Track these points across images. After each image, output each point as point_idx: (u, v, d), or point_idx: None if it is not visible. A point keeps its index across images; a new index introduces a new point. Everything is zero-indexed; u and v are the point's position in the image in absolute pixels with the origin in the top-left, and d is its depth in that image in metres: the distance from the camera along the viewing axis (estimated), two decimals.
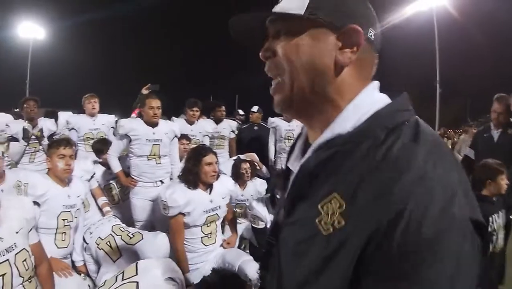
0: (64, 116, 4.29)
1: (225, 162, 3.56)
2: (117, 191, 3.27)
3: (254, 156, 3.86)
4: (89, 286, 2.32)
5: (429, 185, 0.41)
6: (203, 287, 1.48)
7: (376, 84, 0.56)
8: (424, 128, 0.49)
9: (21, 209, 1.76)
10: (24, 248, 1.69)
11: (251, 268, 2.30)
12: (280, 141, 4.33)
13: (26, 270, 1.67)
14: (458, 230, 0.40)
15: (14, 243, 1.64)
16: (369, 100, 0.53)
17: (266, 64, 0.58)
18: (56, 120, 4.24)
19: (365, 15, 0.55)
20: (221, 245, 2.56)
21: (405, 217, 0.40)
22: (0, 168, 2.62)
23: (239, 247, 3.03)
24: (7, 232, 1.63)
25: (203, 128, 4.10)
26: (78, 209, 2.39)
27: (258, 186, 3.42)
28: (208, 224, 2.45)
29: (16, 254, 1.64)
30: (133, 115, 3.74)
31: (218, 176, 2.49)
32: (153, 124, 3.03)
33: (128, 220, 3.01)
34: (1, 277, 1.57)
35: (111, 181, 3.26)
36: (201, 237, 2.43)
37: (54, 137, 3.98)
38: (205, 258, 2.41)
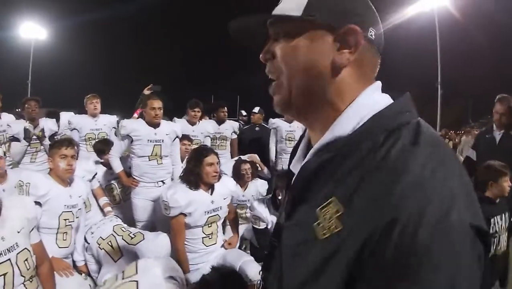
0: (66, 116, 4.30)
1: (226, 163, 3.57)
2: (118, 191, 3.28)
3: (255, 157, 3.86)
4: (90, 285, 2.33)
5: (427, 191, 0.40)
6: (202, 285, 1.48)
7: (378, 84, 0.55)
8: (425, 130, 0.48)
9: (23, 208, 1.76)
10: (25, 248, 1.69)
11: (252, 269, 2.30)
12: (281, 142, 4.32)
13: (28, 269, 1.68)
14: (456, 238, 0.39)
15: (16, 243, 1.65)
16: (370, 101, 0.52)
17: (267, 66, 0.58)
18: (57, 120, 4.25)
19: (364, 15, 0.54)
20: (222, 246, 2.57)
21: (399, 224, 0.39)
22: (2, 168, 2.64)
23: (239, 247, 3.03)
24: (9, 231, 1.64)
25: (204, 129, 4.11)
26: (80, 209, 2.40)
27: (259, 186, 3.43)
28: (209, 225, 2.46)
29: (18, 253, 1.64)
30: (135, 115, 3.75)
31: (219, 177, 2.50)
32: (155, 125, 3.03)
33: (129, 220, 3.01)
34: (3, 276, 1.57)
35: (112, 181, 3.27)
36: (202, 238, 2.43)
37: (55, 137, 3.99)
38: (206, 258, 2.41)
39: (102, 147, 3.31)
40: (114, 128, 4.16)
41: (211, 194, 2.45)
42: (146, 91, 3.91)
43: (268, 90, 0.59)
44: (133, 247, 2.35)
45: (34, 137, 3.81)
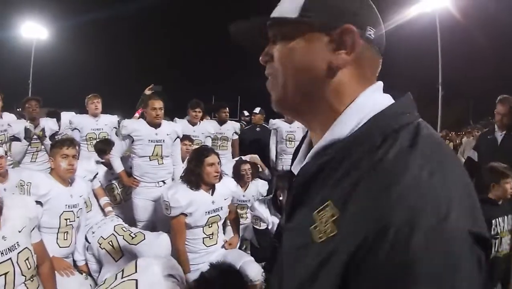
0: (67, 116, 4.30)
1: (227, 163, 3.57)
2: (119, 191, 3.28)
3: (256, 158, 3.86)
4: (90, 285, 2.32)
5: (422, 198, 0.39)
6: (201, 283, 1.47)
7: (378, 85, 0.54)
8: (424, 132, 0.46)
9: (24, 208, 1.77)
10: (26, 247, 1.69)
11: (253, 269, 2.30)
12: (281, 142, 4.32)
13: (28, 269, 1.68)
14: (452, 245, 0.37)
15: (17, 242, 1.65)
16: (369, 102, 0.51)
17: (266, 68, 0.58)
18: (58, 120, 4.25)
19: (361, 14, 0.52)
20: (223, 246, 2.56)
21: (390, 232, 0.37)
22: (3, 167, 2.64)
23: (240, 247, 3.03)
24: (10, 231, 1.64)
25: (205, 129, 4.11)
26: (81, 208, 2.40)
27: (259, 187, 3.43)
28: (210, 225, 2.46)
29: (19, 253, 1.64)
30: (136, 115, 3.75)
31: (220, 177, 2.50)
32: (156, 125, 3.04)
33: (130, 220, 3.01)
34: (4, 275, 1.57)
35: (113, 181, 3.27)
36: (203, 238, 2.43)
37: (56, 137, 3.99)
38: (207, 258, 2.41)
39: (103, 147, 3.32)
40: (115, 128, 4.16)
41: (212, 194, 2.45)
42: (147, 91, 3.91)
43: (269, 91, 0.59)
44: (134, 247, 2.35)
45: (35, 136, 3.81)
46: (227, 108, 4.61)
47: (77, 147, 2.41)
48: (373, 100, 0.51)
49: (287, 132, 4.27)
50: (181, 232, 2.37)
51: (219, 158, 2.49)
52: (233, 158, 4.22)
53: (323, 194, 0.47)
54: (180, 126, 3.46)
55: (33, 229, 1.80)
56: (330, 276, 0.41)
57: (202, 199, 2.38)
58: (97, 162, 3.25)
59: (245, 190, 3.33)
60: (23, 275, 1.66)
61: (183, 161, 3.28)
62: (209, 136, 4.15)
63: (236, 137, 4.57)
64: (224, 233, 2.80)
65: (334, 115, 0.51)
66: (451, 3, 14.32)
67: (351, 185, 0.43)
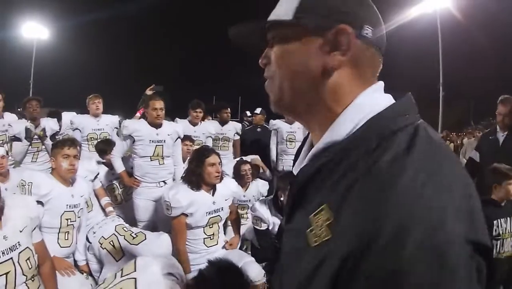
0: (68, 116, 4.31)
1: (228, 164, 3.57)
2: (120, 191, 3.29)
3: (258, 160, 3.86)
4: (91, 285, 2.33)
5: (414, 206, 0.37)
6: (199, 281, 1.47)
7: (378, 85, 0.53)
8: (421, 135, 0.45)
9: (25, 208, 1.77)
10: (27, 247, 1.70)
11: (253, 270, 2.30)
12: (281, 143, 4.32)
13: (30, 268, 1.68)
14: (446, 255, 0.36)
15: (18, 242, 1.65)
16: (368, 103, 0.49)
17: (265, 70, 0.58)
18: (59, 120, 4.25)
19: (358, 13, 0.51)
20: (223, 247, 2.56)
21: (381, 240, 0.36)
22: (4, 167, 2.65)
23: (240, 248, 3.03)
24: (11, 230, 1.64)
25: (206, 130, 4.11)
26: (81, 208, 2.40)
27: (260, 187, 3.43)
28: (211, 226, 2.46)
29: (20, 252, 1.65)
30: (138, 114, 3.75)
31: (221, 178, 2.49)
32: (157, 125, 3.04)
33: (131, 220, 3.01)
34: (5, 275, 1.58)
35: (114, 182, 3.27)
36: (203, 238, 2.43)
37: (57, 137, 3.99)
38: (207, 259, 2.41)
39: (104, 147, 3.32)
40: (116, 128, 4.16)
41: (213, 195, 2.45)
42: (148, 91, 3.91)
43: (267, 93, 0.59)
44: (135, 247, 2.35)
45: (36, 136, 3.81)
46: (229, 109, 4.61)
47: (78, 147, 2.41)
48: (372, 101, 0.50)
49: (288, 132, 4.27)
50: (182, 233, 2.37)
51: (220, 158, 2.49)
52: (234, 158, 4.22)
53: (320, 197, 0.47)
54: (181, 126, 3.46)
55: (34, 229, 1.80)
56: (323, 281, 0.41)
57: (203, 200, 2.38)
58: (98, 162, 3.25)
59: (245, 190, 3.33)
60: (24, 274, 1.66)
61: (184, 161, 3.28)
62: (210, 137, 4.15)
63: (237, 137, 4.58)
64: (224, 234, 2.80)
65: (332, 116, 0.51)
66: (452, 3, 14.32)
67: (346, 190, 0.42)
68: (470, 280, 0.37)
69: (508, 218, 2.21)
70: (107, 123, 4.10)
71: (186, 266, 2.28)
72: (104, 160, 3.30)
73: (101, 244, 2.38)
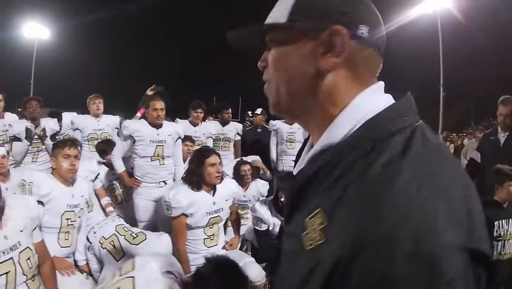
0: (69, 116, 4.31)
1: (229, 164, 3.57)
2: (120, 191, 3.29)
3: (259, 162, 3.85)
4: (91, 285, 2.33)
5: (406, 213, 0.36)
6: (197, 278, 1.46)
7: (378, 85, 0.52)
8: (419, 137, 0.44)
9: (26, 207, 1.77)
10: (28, 247, 1.70)
11: (253, 270, 2.30)
12: (281, 143, 4.33)
13: (30, 268, 1.69)
14: (438, 263, 0.35)
15: (18, 242, 1.65)
16: (365, 105, 0.49)
17: (264, 73, 0.58)
18: (59, 120, 4.25)
19: (352, 13, 0.50)
20: (223, 247, 2.56)
21: (371, 248, 0.36)
22: (5, 167, 2.65)
23: (240, 248, 3.03)
24: (12, 230, 1.64)
25: (206, 130, 4.11)
26: (82, 208, 2.40)
27: (260, 187, 3.43)
28: (211, 226, 2.46)
29: (20, 252, 1.65)
30: (138, 114, 3.76)
31: (222, 178, 2.49)
32: (157, 126, 3.04)
33: (131, 220, 3.01)
34: (5, 275, 1.58)
35: (114, 182, 3.28)
36: (203, 239, 2.43)
37: (57, 137, 4.00)
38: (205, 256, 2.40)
39: (104, 147, 3.32)
40: (117, 128, 4.17)
41: (213, 195, 2.45)
42: (149, 92, 3.92)
43: (266, 95, 0.59)
44: (135, 247, 2.35)
45: (36, 136, 3.81)
46: (230, 109, 4.61)
47: (79, 148, 2.41)
48: (370, 102, 0.49)
49: (288, 133, 4.27)
50: (182, 233, 2.37)
51: (220, 158, 2.49)
52: (235, 159, 4.22)
53: (316, 200, 0.46)
54: (182, 126, 3.46)
55: (35, 228, 1.80)
56: (316, 285, 0.41)
57: (203, 200, 2.39)
58: (99, 162, 3.25)
59: (245, 190, 3.33)
60: (24, 274, 1.66)
61: (184, 161, 3.28)
62: (210, 137, 4.15)
63: (238, 138, 4.58)
64: (224, 234, 2.80)
65: (330, 118, 0.50)
66: (452, 4, 14.32)
67: (340, 194, 0.42)
68: (467, 287, 0.37)
69: (510, 220, 2.20)
70: (108, 123, 4.10)
71: (186, 266, 2.28)
72: (104, 160, 3.30)
73: (102, 244, 2.38)
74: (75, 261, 2.44)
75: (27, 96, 4.62)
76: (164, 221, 2.77)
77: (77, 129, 3.99)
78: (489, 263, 0.39)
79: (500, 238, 2.16)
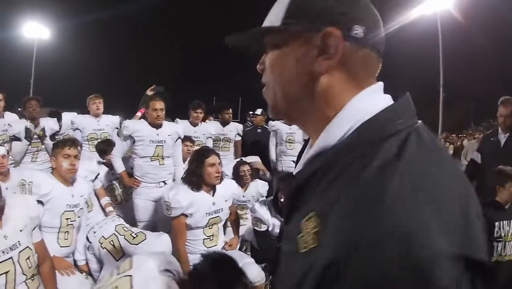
0: (69, 116, 4.31)
1: (228, 165, 3.57)
2: (119, 191, 3.29)
3: (259, 164, 3.85)
4: (91, 285, 2.33)
5: (397, 220, 0.35)
6: (194, 275, 1.46)
7: (376, 86, 0.51)
8: (413, 141, 0.43)
9: (26, 207, 1.77)
10: (27, 246, 1.70)
11: (253, 271, 2.30)
12: (280, 144, 4.33)
13: (29, 268, 1.69)
14: (429, 272, 0.34)
15: (18, 241, 1.65)
16: (361, 107, 0.48)
17: (263, 76, 0.58)
18: (58, 120, 4.25)
19: (345, 13, 0.49)
20: (223, 248, 2.56)
21: (358, 257, 0.35)
22: (5, 166, 2.65)
23: (240, 249, 3.02)
24: (11, 230, 1.64)
25: (206, 130, 4.11)
26: (81, 208, 2.41)
27: (259, 187, 3.42)
28: (210, 226, 2.46)
29: (20, 252, 1.65)
30: (138, 113, 3.76)
31: (221, 178, 2.49)
32: (157, 126, 3.04)
33: (131, 220, 3.01)
34: (5, 274, 1.58)
35: (114, 182, 3.28)
36: (203, 239, 2.43)
37: (57, 137, 3.99)
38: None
39: (104, 147, 3.32)
40: (117, 128, 4.17)
41: (213, 195, 2.45)
42: (149, 92, 3.92)
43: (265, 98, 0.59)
44: (135, 246, 2.35)
45: (35, 136, 3.81)
46: (231, 109, 4.61)
47: (79, 148, 2.41)
48: (366, 104, 0.48)
49: (287, 134, 4.28)
50: (182, 233, 2.37)
51: (219, 158, 2.49)
52: (235, 159, 4.22)
53: (312, 202, 0.46)
54: (182, 127, 3.46)
55: (34, 228, 1.80)
56: (309, 288, 0.40)
57: (203, 200, 2.39)
58: (98, 162, 3.25)
59: (245, 191, 3.33)
60: (24, 274, 1.66)
61: (184, 162, 3.28)
62: (210, 137, 4.15)
63: (239, 138, 4.58)
64: (224, 234, 2.80)
65: (326, 120, 0.50)
66: (452, 5, 14.32)
67: (332, 199, 0.41)
68: None
69: None
70: (108, 123, 4.10)
71: (186, 267, 2.28)
72: (104, 160, 3.30)
73: (101, 243, 2.38)
74: (75, 261, 2.43)
75: (27, 96, 4.62)
76: (164, 221, 2.77)
77: (77, 129, 3.99)
78: (486, 271, 0.38)
79: (501, 239, 2.16)
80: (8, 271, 1.59)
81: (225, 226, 2.90)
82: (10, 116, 4.14)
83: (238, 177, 3.23)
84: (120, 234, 2.43)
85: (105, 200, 3.00)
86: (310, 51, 0.49)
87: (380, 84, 0.52)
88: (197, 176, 2.38)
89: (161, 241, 2.38)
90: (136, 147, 3.02)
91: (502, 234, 2.15)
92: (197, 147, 3.40)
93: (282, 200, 2.64)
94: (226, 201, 2.53)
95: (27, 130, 3.69)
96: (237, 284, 1.49)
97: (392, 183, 0.38)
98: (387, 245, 0.35)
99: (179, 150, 3.29)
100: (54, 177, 2.28)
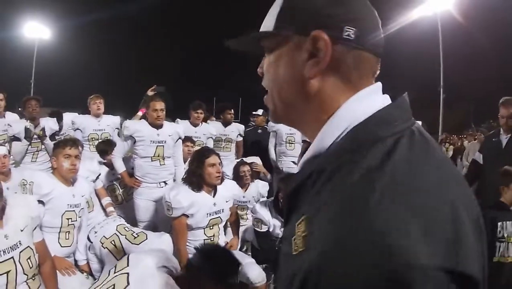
0: (70, 116, 4.30)
1: (229, 165, 3.56)
2: (120, 191, 3.29)
3: (260, 166, 3.85)
4: (91, 284, 2.33)
5: (377, 230, 0.34)
6: (189, 270, 1.46)
7: (372, 88, 0.50)
8: (404, 144, 0.42)
9: (26, 207, 1.77)
10: (28, 246, 1.70)
11: (253, 271, 2.30)
12: (280, 144, 4.33)
13: (30, 268, 1.69)
14: (405, 285, 0.33)
15: (19, 241, 1.65)
16: (356, 109, 0.47)
17: (263, 80, 0.59)
18: (58, 120, 4.25)
19: (335, 15, 0.48)
20: None
21: (336, 264, 0.35)
22: (6, 166, 2.65)
23: (240, 249, 3.02)
24: (12, 230, 1.64)
25: (207, 130, 4.11)
26: (82, 208, 2.40)
27: (260, 187, 3.42)
28: (211, 227, 2.46)
29: (21, 252, 1.65)
30: (140, 113, 3.76)
31: (222, 179, 2.49)
32: (158, 126, 3.04)
33: (131, 220, 3.01)
34: (6, 274, 1.58)
35: (114, 182, 3.28)
36: (203, 240, 2.43)
37: (57, 137, 3.99)
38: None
39: (105, 147, 3.32)
40: (117, 128, 4.17)
41: (214, 196, 2.45)
42: (150, 92, 3.92)
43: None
44: (136, 246, 2.35)
45: (35, 136, 3.80)
46: (232, 110, 4.61)
47: (80, 148, 2.41)
48: (361, 106, 0.47)
49: (287, 134, 4.28)
50: (183, 233, 2.37)
51: (220, 158, 2.49)
52: (236, 160, 4.21)
53: (304, 206, 0.46)
54: (182, 127, 3.46)
55: (35, 228, 1.80)
56: None
57: (204, 201, 2.39)
58: (99, 162, 3.25)
59: (245, 191, 3.32)
60: (24, 274, 1.66)
61: (184, 162, 3.28)
62: (211, 138, 4.15)
63: (240, 139, 4.58)
64: (224, 235, 2.80)
65: (321, 124, 0.49)
66: (452, 6, 14.32)
67: (319, 205, 0.41)
68: None
69: None
70: (108, 123, 4.10)
71: None
72: (105, 161, 3.30)
73: (103, 243, 2.38)
74: (75, 261, 2.44)
75: (27, 95, 4.61)
76: (165, 221, 2.77)
77: (78, 129, 3.99)
78: (476, 285, 0.37)
79: (503, 240, 2.15)
80: (9, 271, 1.59)
81: (225, 227, 2.90)
82: (11, 116, 4.14)
83: (238, 177, 3.23)
84: (121, 234, 2.43)
85: (106, 200, 3.00)
86: (301, 55, 0.49)
87: (378, 84, 0.51)
88: (197, 176, 2.38)
89: (162, 241, 2.38)
90: (136, 147, 3.02)
91: (505, 235, 2.14)
92: (197, 148, 3.40)
93: (282, 200, 2.64)
94: (227, 202, 2.53)
95: (27, 130, 3.69)
96: (233, 275, 1.48)
97: (374, 193, 0.37)
98: (363, 256, 0.34)
99: (179, 150, 3.29)
100: (55, 177, 2.29)
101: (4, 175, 2.65)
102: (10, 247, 1.61)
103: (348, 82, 0.49)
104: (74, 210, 2.31)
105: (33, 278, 1.72)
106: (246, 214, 3.33)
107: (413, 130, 0.45)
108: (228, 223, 2.86)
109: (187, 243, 2.39)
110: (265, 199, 3.29)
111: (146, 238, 2.41)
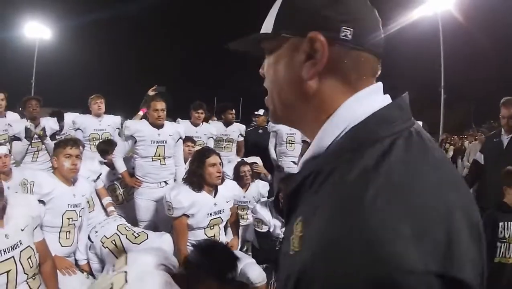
0: (71, 116, 4.31)
1: (229, 165, 3.56)
2: (121, 191, 3.29)
3: (260, 167, 3.85)
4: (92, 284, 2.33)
5: (368, 232, 0.34)
6: (188, 267, 1.46)
7: (372, 88, 0.50)
8: (401, 145, 0.42)
9: (27, 206, 1.77)
10: (29, 246, 1.70)
11: (254, 271, 2.30)
12: (281, 145, 4.33)
13: (31, 267, 1.69)
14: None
15: (20, 241, 1.66)
16: (355, 109, 0.47)
17: (264, 81, 0.59)
18: (59, 119, 4.24)
19: (331, 17, 0.47)
20: None
21: (327, 266, 0.35)
22: (7, 165, 2.66)
23: (241, 249, 3.02)
24: (13, 229, 1.65)
25: (207, 130, 4.11)
26: (83, 208, 2.41)
27: (260, 187, 3.42)
28: (211, 227, 2.46)
29: (21, 251, 1.65)
30: (140, 112, 3.76)
31: (223, 179, 2.49)
32: (158, 126, 3.04)
33: (132, 220, 3.01)
34: (6, 273, 1.58)
35: (115, 182, 3.28)
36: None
37: (57, 136, 3.99)
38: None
39: (106, 147, 3.33)
40: (118, 128, 4.17)
41: (214, 196, 2.45)
42: (151, 92, 3.92)
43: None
44: (137, 246, 2.35)
45: (36, 136, 3.80)
46: (233, 110, 4.61)
47: (80, 147, 2.41)
48: (359, 106, 0.47)
49: (287, 134, 4.27)
50: (183, 233, 2.37)
51: (220, 158, 2.49)
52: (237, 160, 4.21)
53: (302, 207, 0.46)
54: (183, 127, 3.47)
55: (36, 228, 1.80)
56: None
57: (204, 201, 2.39)
58: (100, 162, 3.26)
59: (245, 191, 3.32)
60: (25, 273, 1.66)
61: (185, 162, 3.28)
62: (212, 138, 4.15)
63: (241, 139, 4.58)
64: (225, 235, 2.80)
65: (320, 124, 0.49)
66: (453, 6, 14.31)
67: (315, 206, 0.41)
68: None
69: None
70: (109, 123, 4.10)
71: None
72: (105, 160, 3.30)
73: (103, 243, 2.39)
74: (76, 261, 2.44)
75: (28, 95, 4.62)
76: (165, 221, 2.77)
77: (79, 129, 3.99)
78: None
79: (504, 240, 2.14)
80: (10, 270, 1.59)
81: (225, 227, 2.91)
82: (12, 116, 4.13)
83: (238, 177, 3.23)
84: (122, 234, 2.43)
85: (107, 200, 3.00)
86: (299, 57, 0.49)
87: (379, 84, 0.51)
88: (198, 176, 2.38)
89: (163, 241, 2.38)
90: (137, 147, 3.02)
91: (506, 235, 2.14)
92: (198, 147, 3.40)
93: (282, 200, 2.64)
94: (227, 202, 2.53)
95: (27, 130, 3.69)
96: (232, 270, 1.48)
97: (368, 196, 0.36)
98: (354, 258, 0.34)
99: (180, 150, 3.29)
100: (56, 176, 2.29)
101: (5, 175, 2.65)
102: (11, 247, 1.61)
103: (347, 83, 0.49)
104: (74, 210, 2.31)
105: (34, 277, 1.72)
106: (247, 214, 3.33)
107: (411, 131, 0.45)
108: (228, 223, 2.86)
109: (188, 243, 2.39)
110: (265, 199, 3.29)
111: (147, 238, 2.42)
